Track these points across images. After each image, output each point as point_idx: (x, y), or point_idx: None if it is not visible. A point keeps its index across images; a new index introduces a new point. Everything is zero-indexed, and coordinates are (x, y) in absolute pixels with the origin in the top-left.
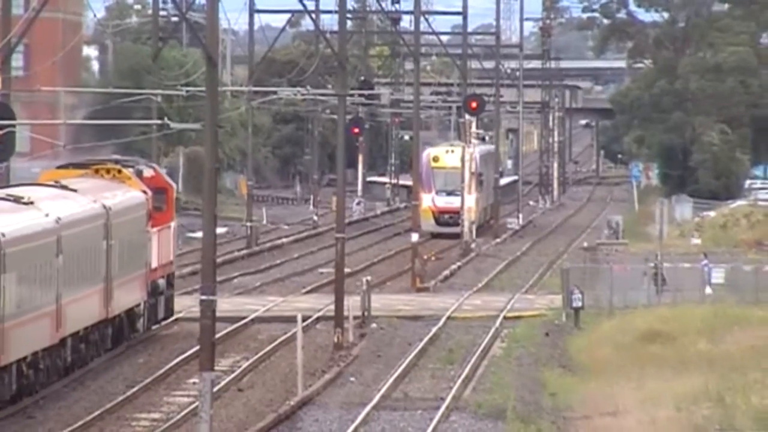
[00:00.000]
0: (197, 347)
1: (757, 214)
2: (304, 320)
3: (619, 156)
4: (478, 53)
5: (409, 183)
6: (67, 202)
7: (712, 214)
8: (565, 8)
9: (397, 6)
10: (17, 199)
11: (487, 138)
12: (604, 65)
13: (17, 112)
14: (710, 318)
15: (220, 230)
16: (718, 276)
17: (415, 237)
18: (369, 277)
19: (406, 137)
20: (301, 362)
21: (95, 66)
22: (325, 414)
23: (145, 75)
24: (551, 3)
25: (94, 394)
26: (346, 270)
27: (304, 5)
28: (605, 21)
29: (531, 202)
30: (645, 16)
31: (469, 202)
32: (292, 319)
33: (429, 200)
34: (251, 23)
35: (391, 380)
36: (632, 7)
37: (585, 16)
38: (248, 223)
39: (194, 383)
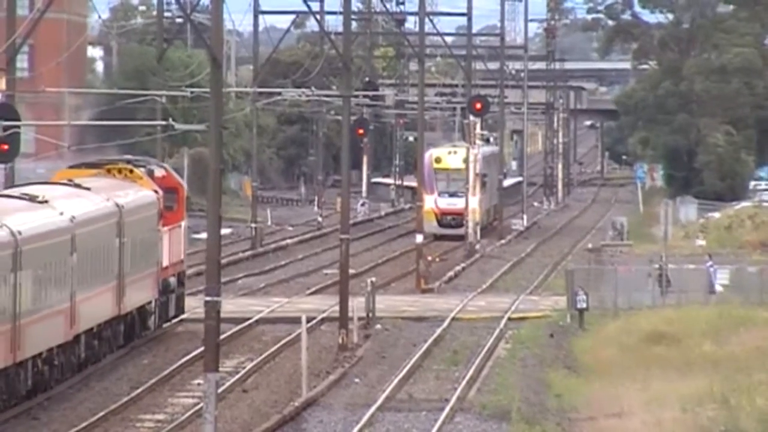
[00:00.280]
0: (202, 348)
1: (762, 215)
2: (308, 321)
3: (624, 157)
4: (483, 54)
5: (414, 184)
6: (81, 201)
7: (716, 215)
8: (569, 9)
9: (401, 7)
10: (32, 198)
11: (491, 139)
12: (609, 66)
13: (22, 113)
14: (715, 319)
15: (224, 231)
16: (722, 277)
17: (419, 238)
18: (373, 278)
19: (411, 138)
20: (306, 363)
21: (100, 67)
22: (330, 415)
23: (149, 76)
24: (556, 4)
25: (99, 395)
26: (351, 271)
27: (308, 6)
28: (610, 22)
29: (535, 204)
30: (650, 17)
31: (473, 204)
32: (296, 320)
33: (431, 202)
34: (256, 24)
35: (395, 381)
36: (637, 8)
37: (590, 17)
38: (253, 224)
39: (199, 384)
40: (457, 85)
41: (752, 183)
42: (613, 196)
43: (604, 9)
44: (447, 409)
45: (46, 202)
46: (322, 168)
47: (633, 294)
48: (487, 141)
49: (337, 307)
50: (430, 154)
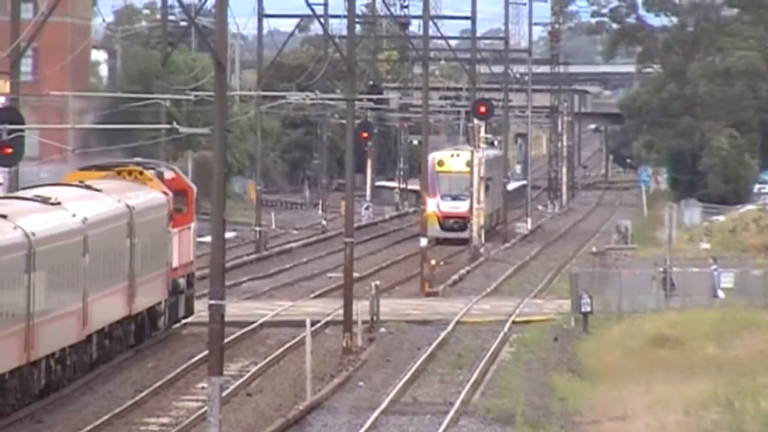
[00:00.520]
0: (206, 352)
1: (766, 218)
2: (313, 325)
3: (628, 160)
4: (487, 58)
5: (418, 187)
6: (93, 202)
7: (721, 218)
8: (573, 13)
9: (405, 10)
10: (45, 200)
11: (495, 142)
12: (613, 70)
13: (26, 117)
14: (719, 322)
15: (229, 235)
16: (727, 280)
17: (423, 242)
18: (378, 282)
19: (415, 142)
20: (310, 367)
21: (104, 70)
22: (334, 419)
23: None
24: (560, 7)
25: (103, 399)
26: (355, 274)
27: (312, 10)
28: (614, 25)
29: (540, 207)
30: (654, 20)
31: (477, 207)
32: (301, 324)
33: (434, 205)
34: (260, 28)
35: (400, 385)
36: (641, 11)
37: (594, 20)
38: (257, 228)
39: (203, 388)
40: (461, 89)
41: (756, 186)
42: (618, 200)
43: (608, 12)
44: (451, 412)
45: (58, 203)
46: (326, 171)
47: (637, 297)
48: (492, 144)
49: (341, 311)
50: (433, 157)
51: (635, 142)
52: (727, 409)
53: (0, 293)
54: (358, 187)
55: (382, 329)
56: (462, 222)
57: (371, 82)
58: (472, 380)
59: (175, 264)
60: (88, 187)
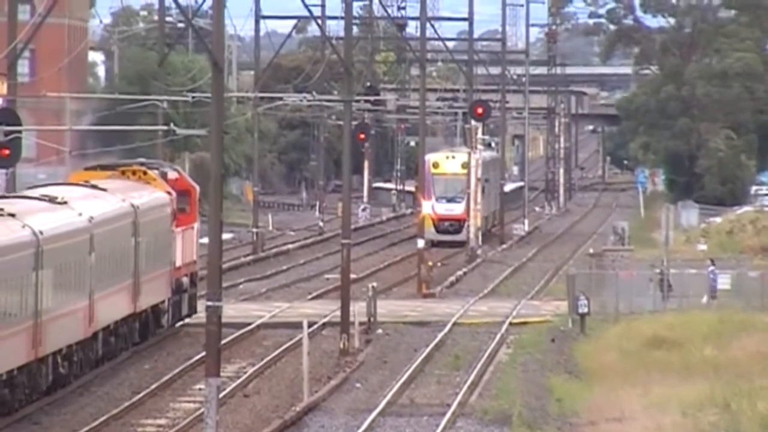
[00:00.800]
0: (203, 353)
1: (764, 220)
2: (310, 326)
3: (625, 162)
4: (484, 59)
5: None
6: (98, 202)
7: (718, 220)
8: (571, 14)
9: (403, 12)
10: (52, 199)
11: (493, 144)
12: (611, 71)
13: (23, 118)
14: (716, 324)
15: (226, 236)
16: (724, 282)
17: (421, 243)
18: (375, 283)
19: (412, 143)
20: (307, 368)
21: (101, 72)
22: (331, 420)
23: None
24: (557, 9)
25: (100, 400)
26: (352, 276)
27: (310, 11)
28: (611, 27)
29: (537, 208)
30: (651, 21)
31: (473, 209)
32: (298, 325)
33: (429, 207)
34: (257, 29)
35: (397, 386)
36: (638, 12)
37: (591, 21)
38: (254, 229)
39: (200, 389)
40: (458, 90)
41: (753, 188)
42: (615, 201)
43: (605, 14)
44: (448, 414)
45: (65, 203)
46: (323, 173)
47: (634, 299)
48: (489, 146)
49: (338, 312)
50: (428, 158)
51: (632, 143)
52: (724, 410)
53: (9, 291)
54: (355, 188)
55: (379, 331)
56: (457, 224)
57: (368, 84)
58: (469, 381)
59: (178, 263)
60: (94, 187)
